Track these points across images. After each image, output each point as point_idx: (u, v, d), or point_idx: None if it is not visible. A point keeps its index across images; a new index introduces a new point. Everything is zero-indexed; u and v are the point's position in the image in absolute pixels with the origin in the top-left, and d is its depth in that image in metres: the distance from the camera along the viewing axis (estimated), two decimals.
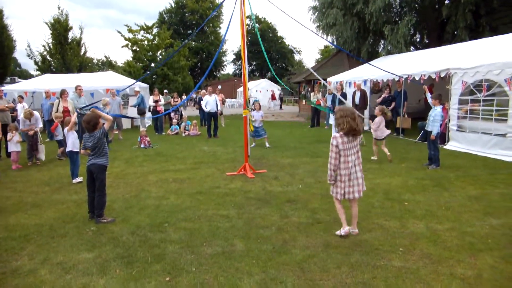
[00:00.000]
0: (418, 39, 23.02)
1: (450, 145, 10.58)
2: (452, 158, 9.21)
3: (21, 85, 18.88)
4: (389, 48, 19.35)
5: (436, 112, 8.04)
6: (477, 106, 10.01)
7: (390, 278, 3.54)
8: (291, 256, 4.05)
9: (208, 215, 5.40)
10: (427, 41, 21.79)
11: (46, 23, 28.61)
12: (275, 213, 5.42)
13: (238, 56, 66.62)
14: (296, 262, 3.89)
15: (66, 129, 7.44)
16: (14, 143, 9.06)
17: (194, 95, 30.84)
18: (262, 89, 40.37)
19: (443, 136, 11.05)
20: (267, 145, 11.49)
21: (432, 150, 8.22)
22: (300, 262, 3.89)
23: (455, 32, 18.44)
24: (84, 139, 5.35)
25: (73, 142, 7.40)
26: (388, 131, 9.05)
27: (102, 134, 5.25)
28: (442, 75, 11.01)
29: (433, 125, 8.08)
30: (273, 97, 36.64)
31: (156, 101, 15.68)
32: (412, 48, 21.41)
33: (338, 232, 4.58)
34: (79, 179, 7.53)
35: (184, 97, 31.74)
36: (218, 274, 3.68)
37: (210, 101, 13.96)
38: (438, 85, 14.25)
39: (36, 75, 29.74)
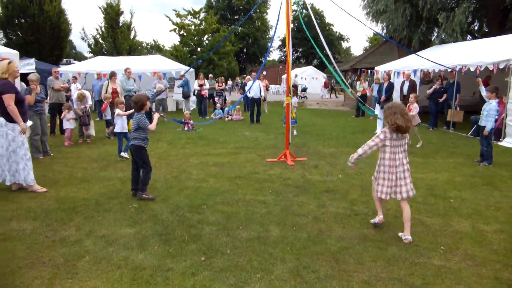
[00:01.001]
0: (476, 28, 21.64)
1: (506, 142, 9.94)
2: (507, 155, 8.65)
3: (75, 67, 19.80)
4: (443, 36, 18.36)
5: (490, 106, 7.58)
6: None
7: (428, 277, 3.41)
8: (326, 246, 4.00)
9: (246, 200, 5.44)
10: (486, 30, 20.42)
11: (100, 8, 29.77)
12: (313, 202, 5.37)
13: (283, 43, 65.99)
14: (331, 253, 3.84)
15: (116, 110, 7.88)
16: (69, 121, 9.56)
17: (239, 80, 31.03)
18: (307, 76, 39.75)
19: (498, 132, 10.40)
20: (295, 132, 11.36)
21: (485, 146, 7.76)
22: (334, 253, 3.84)
23: None
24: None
25: (122, 124, 7.92)
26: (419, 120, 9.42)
27: (140, 118, 5.37)
28: (501, 66, 10.30)
29: (486, 120, 7.61)
30: (326, 85, 35.87)
31: (201, 85, 15.91)
32: (469, 37, 20.16)
33: (372, 220, 4.56)
34: (124, 154, 7.99)
35: (230, 82, 32.02)
36: (251, 258, 3.71)
37: (254, 87, 13.95)
38: (496, 78, 13.36)
39: (89, 57, 31.10)
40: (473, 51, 13.00)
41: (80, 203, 5.25)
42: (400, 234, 4.25)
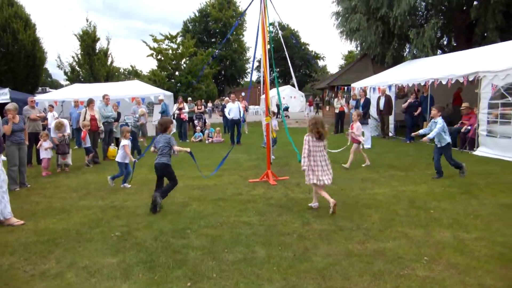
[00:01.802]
0: (445, 42, 22.52)
1: (480, 151, 10.25)
2: (482, 164, 8.91)
3: (51, 95, 19.56)
4: (414, 52, 19.01)
5: (438, 126, 7.57)
6: (509, 110, 9.65)
7: None
8: (312, 263, 4.00)
9: (230, 222, 5.41)
10: (455, 44, 21.26)
11: (75, 35, 29.64)
12: (297, 220, 5.39)
13: (261, 63, 66.87)
14: (317, 270, 3.85)
15: (122, 140, 7.88)
16: (46, 150, 9.38)
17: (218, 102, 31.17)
18: (285, 96, 40.25)
19: (472, 142, 10.73)
20: (273, 157, 9.98)
21: (451, 159, 7.77)
22: (321, 270, 3.84)
23: (485, 34, 17.92)
24: (155, 139, 6.28)
25: (123, 154, 7.80)
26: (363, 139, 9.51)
27: (170, 139, 6.12)
28: (471, 78, 10.70)
29: (437, 136, 7.64)
30: (310, 103, 36.23)
31: (180, 109, 15.93)
32: (439, 51, 20.94)
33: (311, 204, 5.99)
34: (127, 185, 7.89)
35: (210, 104, 32.13)
36: (239, 281, 3.68)
37: (233, 108, 14.06)
38: (467, 90, 13.89)
39: (66, 85, 30.78)
40: (443, 65, 13.48)
41: (60, 234, 5.12)
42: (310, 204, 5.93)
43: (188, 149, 6.33)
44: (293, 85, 50.05)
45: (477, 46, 16.28)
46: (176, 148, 6.11)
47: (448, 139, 7.69)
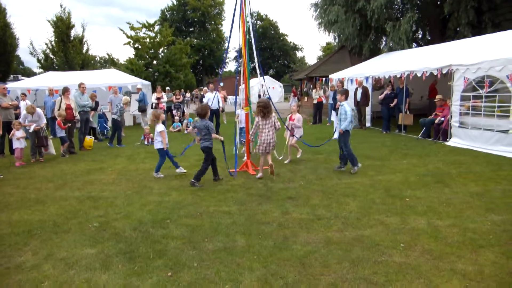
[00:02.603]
0: (420, 36, 22.93)
1: (452, 142, 10.57)
2: (454, 154, 9.20)
3: (24, 83, 18.94)
4: (391, 44, 19.29)
5: (342, 109, 7.52)
6: (479, 102, 9.97)
7: (390, 274, 3.56)
8: (292, 251, 4.07)
9: (210, 211, 5.42)
10: (429, 38, 21.71)
11: (49, 21, 28.69)
12: (276, 210, 5.45)
13: (240, 54, 66.62)
14: (297, 258, 3.92)
15: (158, 126, 7.78)
16: (18, 140, 9.10)
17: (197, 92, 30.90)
18: (259, 84, 40.33)
19: (445, 133, 11.04)
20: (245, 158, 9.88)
21: (344, 150, 7.61)
22: (301, 258, 3.91)
23: (457, 29, 18.35)
24: (196, 122, 7.15)
25: (161, 141, 7.65)
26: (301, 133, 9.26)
27: (209, 125, 6.89)
28: (444, 71, 10.98)
29: (342, 122, 7.49)
30: (295, 94, 36.14)
31: (158, 98, 15.72)
32: (414, 44, 21.31)
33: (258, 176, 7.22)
34: (161, 174, 7.70)
35: (188, 94, 31.76)
36: (219, 270, 3.71)
37: (212, 99, 13.96)
38: (441, 82, 14.26)
39: (39, 73, 29.84)
40: (418, 58, 13.76)
41: (36, 225, 5.01)
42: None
43: (222, 138, 7.32)
44: (272, 76, 50.19)
45: (450, 40, 16.68)
46: (214, 135, 6.94)
47: (348, 126, 7.48)
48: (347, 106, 7.55)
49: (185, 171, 7.81)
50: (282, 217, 5.16)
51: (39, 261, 4.00)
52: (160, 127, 7.70)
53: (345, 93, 7.82)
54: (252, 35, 8.22)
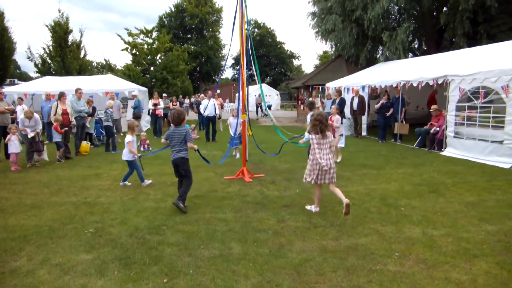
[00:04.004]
0: (416, 46, 23.17)
1: (448, 151, 10.65)
2: (449, 164, 9.27)
3: (21, 87, 18.92)
4: (387, 54, 19.47)
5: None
6: (474, 112, 10.08)
7: (385, 282, 3.58)
8: (288, 259, 4.08)
9: (206, 218, 5.43)
10: (425, 48, 21.93)
11: (47, 26, 28.75)
12: (272, 217, 5.46)
13: (237, 61, 66.85)
14: (292, 266, 3.93)
15: (127, 136, 7.34)
16: (14, 145, 9.08)
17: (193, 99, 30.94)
18: (257, 94, 40.43)
19: (440, 142, 11.13)
20: (238, 155, 10.78)
21: None
22: (296, 266, 3.93)
23: (453, 39, 18.58)
24: (169, 130, 5.91)
25: (129, 152, 7.32)
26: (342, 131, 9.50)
27: (186, 132, 5.82)
28: (440, 81, 11.09)
29: None
30: (302, 101, 36.25)
31: (155, 105, 15.74)
32: (410, 54, 21.54)
33: (309, 207, 5.79)
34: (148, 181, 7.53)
35: (187, 100, 31.81)
36: (215, 277, 3.71)
37: (209, 105, 14.02)
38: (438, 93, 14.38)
39: (36, 78, 29.84)
40: (414, 68, 13.89)
41: (31, 230, 5.00)
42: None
43: (196, 147, 6.11)
44: (268, 84, 50.40)
45: (446, 50, 16.89)
46: (190, 145, 5.86)
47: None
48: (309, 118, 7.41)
49: (150, 181, 7.52)
50: (277, 224, 5.18)
51: (34, 266, 3.99)
52: (128, 137, 7.31)
53: (310, 105, 8.18)
54: (249, 43, 8.26)
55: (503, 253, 4.21)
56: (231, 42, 8.41)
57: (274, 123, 11.33)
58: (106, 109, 11.78)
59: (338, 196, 5.36)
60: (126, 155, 7.34)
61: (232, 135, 10.58)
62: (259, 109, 32.37)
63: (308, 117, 7.59)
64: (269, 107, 32.58)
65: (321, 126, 5.46)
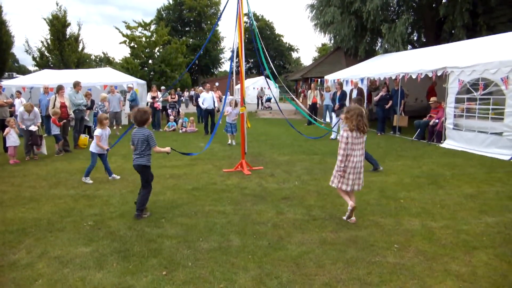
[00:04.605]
0: (415, 38, 23.10)
1: (447, 144, 10.64)
2: (448, 156, 9.26)
3: (19, 81, 18.82)
4: (386, 46, 19.40)
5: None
6: (474, 104, 10.05)
7: (385, 274, 3.58)
8: (287, 252, 4.08)
9: (205, 211, 5.42)
10: (424, 40, 21.86)
11: (45, 19, 28.55)
12: (271, 210, 5.45)
13: (235, 54, 66.59)
14: (292, 258, 3.93)
15: (96, 130, 7.17)
16: (12, 138, 9.04)
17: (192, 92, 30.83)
18: (259, 87, 40.30)
19: (439, 135, 11.12)
20: (233, 143, 11.63)
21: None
22: (295, 258, 3.92)
23: (452, 31, 18.51)
24: (133, 132, 5.21)
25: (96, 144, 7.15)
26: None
27: (148, 135, 5.09)
28: (439, 73, 11.05)
29: None
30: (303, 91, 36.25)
31: (153, 98, 15.68)
32: (409, 46, 21.46)
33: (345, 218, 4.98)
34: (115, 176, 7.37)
35: (186, 93, 31.70)
36: (214, 269, 3.71)
37: (207, 98, 13.97)
38: (437, 84, 14.33)
39: (34, 71, 29.69)
40: (413, 60, 13.85)
41: (30, 223, 4.98)
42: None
43: (168, 149, 5.43)
44: (267, 77, 50.23)
45: (445, 42, 16.81)
46: (156, 149, 5.22)
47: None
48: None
49: (118, 177, 7.36)
50: (276, 217, 5.17)
51: (33, 259, 3.97)
52: (97, 131, 7.11)
53: (358, 101, 7.41)
54: (257, 36, 8.23)
55: (503, 245, 4.21)
56: (235, 33, 8.35)
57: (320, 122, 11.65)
58: (98, 103, 11.69)
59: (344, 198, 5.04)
60: (93, 147, 7.16)
61: (230, 122, 11.58)
62: (260, 101, 32.37)
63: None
64: (269, 99, 32.45)
65: (361, 121, 4.70)
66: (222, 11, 8.72)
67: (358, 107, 4.85)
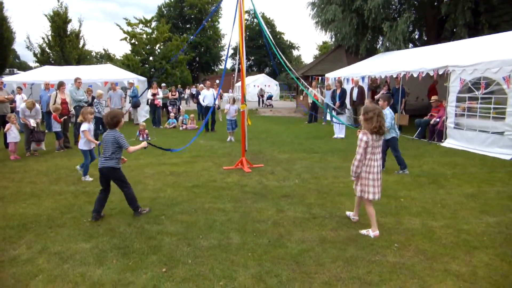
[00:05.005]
0: (417, 36, 23.01)
1: (448, 143, 10.62)
2: (449, 155, 9.24)
3: (20, 77, 18.80)
4: (387, 44, 19.33)
5: (387, 120, 6.94)
6: (475, 103, 10.01)
7: (384, 273, 3.57)
8: (287, 250, 4.08)
9: (205, 208, 5.42)
10: (425, 38, 21.77)
11: (46, 15, 28.51)
12: (271, 207, 5.45)
13: (236, 51, 66.43)
14: (292, 256, 3.92)
15: (83, 124, 6.90)
16: (13, 134, 9.04)
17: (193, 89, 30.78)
18: (260, 84, 40.27)
19: (440, 134, 11.10)
20: (233, 139, 11.75)
21: (394, 152, 7.54)
22: (295, 256, 3.92)
23: (454, 30, 18.44)
24: (104, 134, 5.09)
25: (85, 141, 7.00)
26: None
27: (119, 138, 4.95)
28: (440, 72, 11.02)
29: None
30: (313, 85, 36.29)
31: (154, 95, 15.66)
32: (410, 45, 21.38)
33: (365, 232, 4.53)
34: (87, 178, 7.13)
35: (187, 91, 31.68)
36: (214, 266, 3.71)
37: (208, 95, 13.96)
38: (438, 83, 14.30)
39: (35, 67, 29.64)
40: (415, 58, 13.80)
41: (31, 219, 4.99)
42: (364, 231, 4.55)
43: (145, 144, 5.27)
44: (268, 74, 50.20)
45: (446, 41, 16.74)
46: (131, 149, 4.99)
47: (393, 133, 7.34)
48: (389, 113, 7.18)
49: (91, 179, 7.03)
50: (277, 215, 5.16)
51: (33, 254, 3.98)
52: (84, 125, 6.83)
53: (388, 99, 7.38)
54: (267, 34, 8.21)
55: (504, 245, 4.20)
56: (232, 30, 8.32)
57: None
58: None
59: (356, 208, 4.93)
60: (81, 144, 6.98)
61: (230, 119, 11.76)
62: (261, 99, 32.40)
63: (387, 112, 7.05)
64: (270, 97, 32.45)
65: (381, 122, 4.35)
66: (218, 5, 8.69)
67: (376, 106, 4.49)
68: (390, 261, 3.80)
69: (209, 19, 55.87)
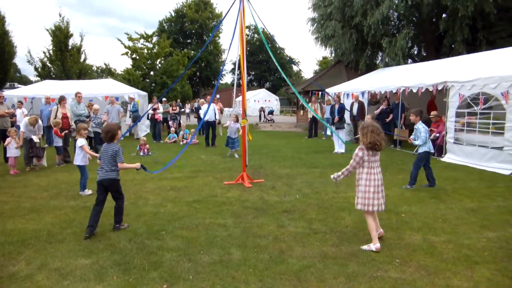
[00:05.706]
0: (415, 52, 23.24)
1: (447, 158, 10.64)
2: (449, 170, 9.25)
3: (21, 91, 18.88)
4: (387, 60, 19.52)
5: (417, 131, 7.44)
6: (474, 119, 10.08)
7: None
8: (288, 265, 4.06)
9: (206, 224, 5.40)
10: (424, 54, 22.00)
11: (47, 30, 28.76)
12: (272, 223, 5.44)
13: (236, 66, 66.94)
14: (293, 272, 3.90)
15: (78, 140, 6.98)
16: (13, 149, 9.06)
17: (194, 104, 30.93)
18: (260, 99, 40.52)
19: (440, 149, 11.12)
20: (236, 156, 11.54)
21: (412, 166, 7.66)
22: (296, 272, 3.90)
23: (453, 46, 18.63)
24: (102, 148, 5.22)
25: (84, 156, 7.00)
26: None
27: (117, 151, 5.06)
28: (440, 88, 11.11)
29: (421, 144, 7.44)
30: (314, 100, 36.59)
31: (154, 109, 15.74)
32: (409, 60, 21.59)
33: (366, 247, 4.50)
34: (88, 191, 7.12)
35: (188, 105, 31.82)
36: (215, 283, 3.68)
37: (208, 110, 14.00)
38: (437, 98, 14.39)
39: (36, 81, 29.85)
40: (414, 74, 13.91)
41: (30, 235, 4.97)
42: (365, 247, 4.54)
43: (138, 166, 5.32)
44: (268, 89, 50.54)
45: (445, 57, 16.92)
46: (123, 166, 5.09)
47: (425, 148, 7.41)
48: (422, 127, 7.34)
49: (90, 192, 7.01)
50: (277, 230, 5.15)
51: (32, 271, 3.95)
52: (80, 141, 6.89)
53: (420, 114, 7.47)
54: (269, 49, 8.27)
55: (505, 260, 4.18)
56: (230, 46, 8.41)
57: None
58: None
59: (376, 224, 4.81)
60: (78, 160, 6.92)
61: (232, 137, 11.61)
62: (262, 114, 32.56)
63: (420, 127, 7.31)
64: (271, 112, 32.63)
65: (377, 139, 4.51)
66: (221, 21, 8.80)
67: (372, 123, 4.64)
68: (392, 277, 3.79)
69: (210, 34, 56.50)
